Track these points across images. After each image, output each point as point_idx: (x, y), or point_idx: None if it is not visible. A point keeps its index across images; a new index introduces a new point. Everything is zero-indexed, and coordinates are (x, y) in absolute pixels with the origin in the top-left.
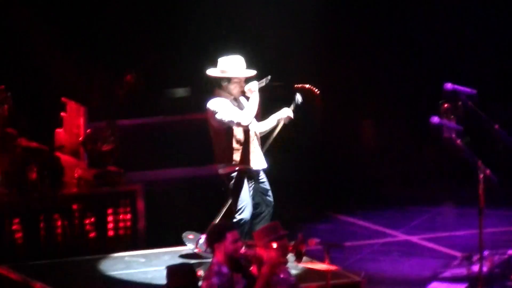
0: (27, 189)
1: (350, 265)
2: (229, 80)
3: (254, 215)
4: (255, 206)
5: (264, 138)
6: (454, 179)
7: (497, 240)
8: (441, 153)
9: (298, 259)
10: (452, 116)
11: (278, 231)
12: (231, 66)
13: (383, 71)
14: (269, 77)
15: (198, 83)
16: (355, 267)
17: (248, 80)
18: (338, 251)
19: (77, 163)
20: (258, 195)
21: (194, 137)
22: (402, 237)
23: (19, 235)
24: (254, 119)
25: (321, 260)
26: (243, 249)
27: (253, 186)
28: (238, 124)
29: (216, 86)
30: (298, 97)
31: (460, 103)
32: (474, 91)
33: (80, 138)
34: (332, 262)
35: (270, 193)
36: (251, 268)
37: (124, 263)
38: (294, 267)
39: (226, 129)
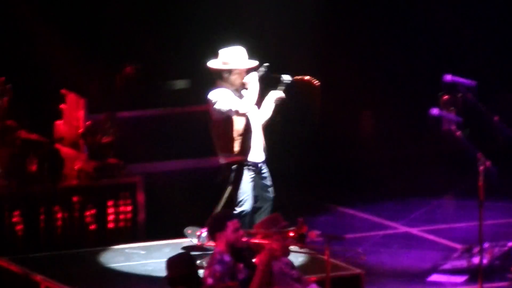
0: (27, 182)
1: (350, 257)
2: (230, 71)
3: (254, 209)
4: (255, 198)
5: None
6: (454, 171)
7: (497, 232)
8: (440, 145)
9: (301, 241)
10: (451, 108)
11: (280, 223)
12: (232, 57)
13: (383, 62)
14: (267, 64)
15: (199, 75)
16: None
17: (249, 70)
18: (338, 243)
19: (77, 155)
20: (257, 189)
21: (195, 129)
22: (402, 229)
23: (19, 227)
24: (256, 110)
25: (321, 252)
26: (244, 238)
27: (253, 178)
28: (237, 112)
29: (217, 77)
30: (284, 77)
31: (459, 94)
32: (474, 83)
33: (80, 130)
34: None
35: (270, 189)
36: (254, 259)
37: (124, 255)
38: (294, 260)
39: (225, 119)
